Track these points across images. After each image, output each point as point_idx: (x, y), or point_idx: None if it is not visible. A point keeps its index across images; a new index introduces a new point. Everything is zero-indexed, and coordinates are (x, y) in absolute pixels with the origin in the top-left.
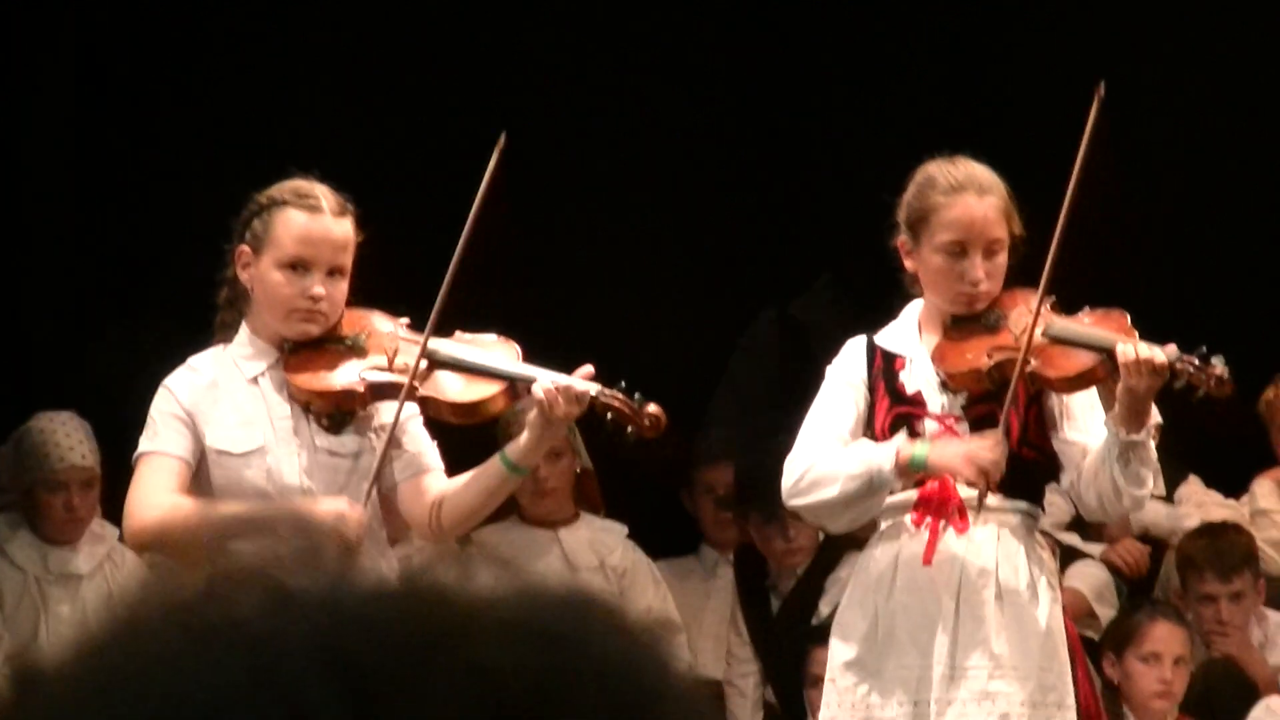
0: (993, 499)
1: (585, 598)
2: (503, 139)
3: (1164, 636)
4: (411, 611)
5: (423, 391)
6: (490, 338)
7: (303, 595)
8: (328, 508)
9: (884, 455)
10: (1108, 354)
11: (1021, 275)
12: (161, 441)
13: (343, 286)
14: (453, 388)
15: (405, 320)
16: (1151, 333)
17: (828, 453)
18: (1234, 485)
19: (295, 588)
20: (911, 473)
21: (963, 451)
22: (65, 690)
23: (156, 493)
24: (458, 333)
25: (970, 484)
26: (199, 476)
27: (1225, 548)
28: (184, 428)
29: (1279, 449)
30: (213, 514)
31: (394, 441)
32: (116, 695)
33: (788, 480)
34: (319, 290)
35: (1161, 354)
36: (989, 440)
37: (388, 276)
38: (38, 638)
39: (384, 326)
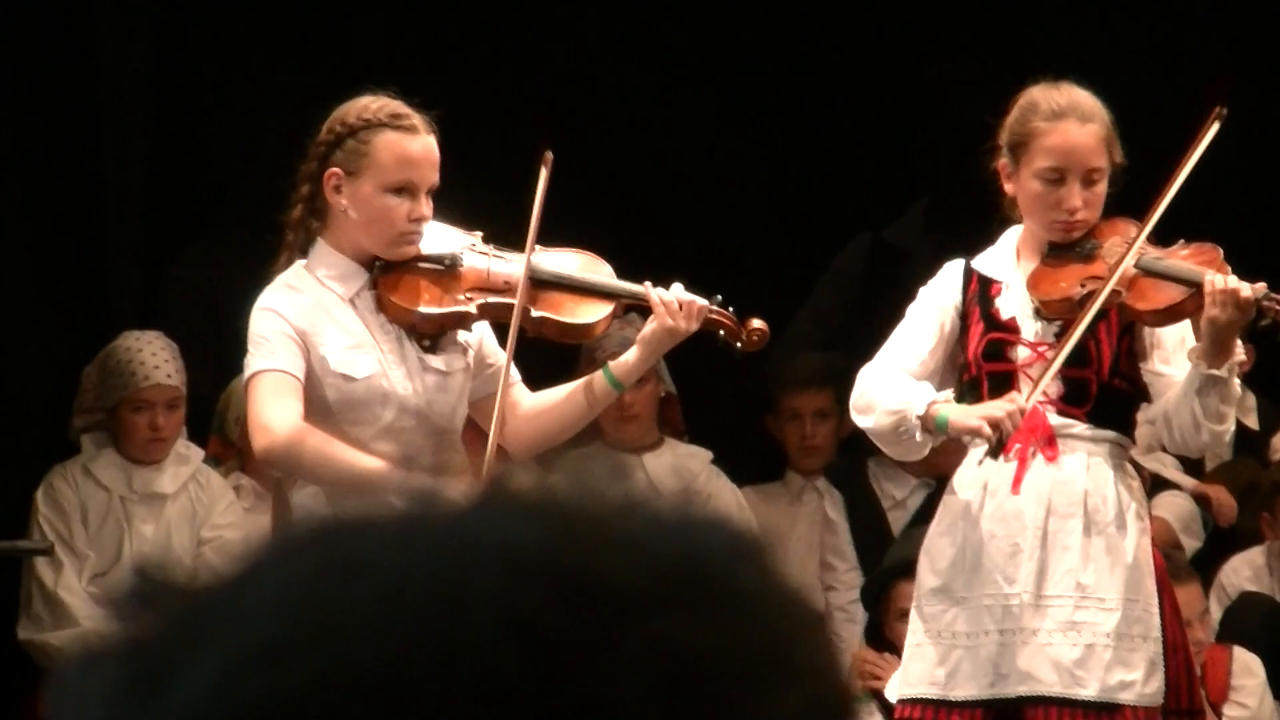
0: (1082, 427)
1: (740, 548)
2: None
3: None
4: (580, 566)
5: (536, 312)
6: (575, 254)
7: (475, 542)
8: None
9: (919, 401)
10: (1197, 288)
11: (1123, 206)
12: (280, 360)
13: (430, 205)
14: (565, 308)
15: (479, 234)
16: (1245, 273)
17: (885, 378)
18: None
19: (464, 535)
20: (936, 431)
21: (978, 410)
22: (254, 650)
23: (288, 411)
24: (536, 247)
25: (985, 438)
26: (308, 396)
27: None
28: (297, 348)
29: None
30: (357, 461)
31: (482, 358)
32: (301, 656)
33: (853, 394)
34: (426, 211)
35: (1248, 288)
36: (1008, 398)
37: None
38: (121, 557)
39: (459, 241)
